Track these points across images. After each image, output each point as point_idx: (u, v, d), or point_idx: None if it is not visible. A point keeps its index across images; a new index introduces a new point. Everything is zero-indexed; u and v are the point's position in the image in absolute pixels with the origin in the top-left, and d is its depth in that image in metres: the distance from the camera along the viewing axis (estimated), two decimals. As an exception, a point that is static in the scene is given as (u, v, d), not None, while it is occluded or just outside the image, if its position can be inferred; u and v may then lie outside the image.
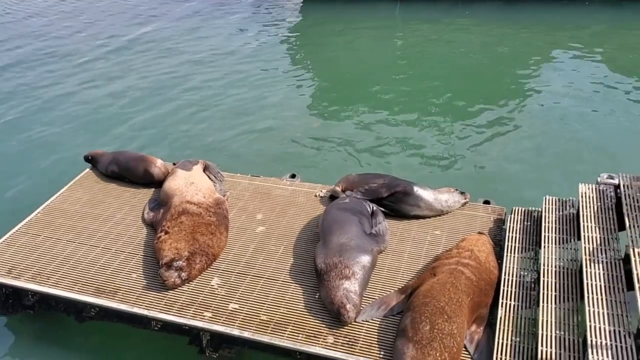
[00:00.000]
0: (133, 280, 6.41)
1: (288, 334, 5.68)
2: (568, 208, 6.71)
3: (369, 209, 7.00)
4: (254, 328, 5.77)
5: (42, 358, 6.45)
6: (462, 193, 7.30)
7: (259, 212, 7.51)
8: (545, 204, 6.82)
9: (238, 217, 7.42)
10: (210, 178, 7.93)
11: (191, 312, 5.98)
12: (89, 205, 7.73)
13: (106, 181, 8.25)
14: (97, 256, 6.79)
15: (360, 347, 5.49)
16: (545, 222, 6.51)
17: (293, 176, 8.36)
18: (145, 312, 6.01)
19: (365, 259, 6.11)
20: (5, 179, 9.99)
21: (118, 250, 6.88)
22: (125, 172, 8.13)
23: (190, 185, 7.35)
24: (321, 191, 7.82)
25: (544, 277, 5.78)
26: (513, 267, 6.13)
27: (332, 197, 7.58)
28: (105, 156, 8.42)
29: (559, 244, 6.19)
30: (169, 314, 5.97)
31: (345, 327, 5.69)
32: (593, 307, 5.23)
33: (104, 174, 8.35)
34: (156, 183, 7.96)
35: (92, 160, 8.56)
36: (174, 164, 8.25)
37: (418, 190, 7.09)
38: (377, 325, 5.71)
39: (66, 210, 7.66)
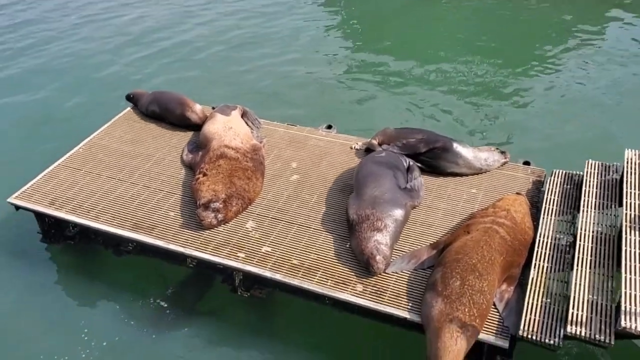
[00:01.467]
0: (170, 218, 6.57)
1: (317, 279, 5.78)
2: (611, 173, 6.54)
3: (405, 164, 6.95)
4: (285, 271, 5.89)
5: (81, 287, 6.71)
6: (502, 152, 7.18)
7: (293, 161, 7.54)
8: (588, 168, 6.66)
9: (273, 164, 7.47)
10: (247, 124, 7.96)
11: (225, 252, 6.12)
12: (129, 144, 7.87)
13: (146, 121, 8.36)
14: (136, 193, 6.96)
15: (389, 297, 5.56)
16: (586, 186, 6.38)
17: (329, 127, 8.32)
18: (181, 249, 6.18)
19: (398, 213, 6.11)
20: (52, 112, 10.22)
21: (157, 189, 7.03)
22: (164, 112, 8.21)
23: (228, 130, 7.40)
24: (357, 143, 7.78)
25: (580, 241, 5.70)
26: (549, 230, 6.05)
27: (368, 150, 7.54)
28: (146, 96, 8.50)
29: (599, 209, 6.07)
30: (204, 253, 6.12)
31: (374, 277, 5.76)
32: (630, 274, 5.15)
33: (144, 114, 8.46)
34: (193, 126, 8.03)
35: (133, 99, 8.66)
36: (213, 108, 8.28)
37: (457, 147, 6.99)
38: (407, 277, 5.76)
39: (106, 146, 7.82)
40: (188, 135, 8.00)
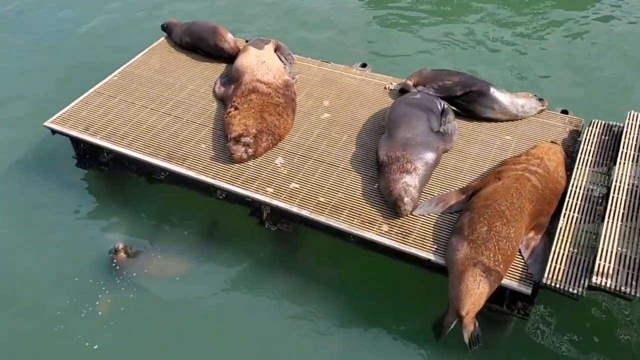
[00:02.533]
0: (202, 150, 6.64)
1: (344, 217, 5.84)
2: (653, 127, 6.34)
3: (439, 107, 6.82)
4: (312, 207, 5.95)
5: (113, 212, 6.90)
6: (540, 99, 6.97)
7: (325, 99, 7.47)
8: (629, 120, 6.45)
9: (305, 101, 7.41)
10: (280, 59, 7.86)
11: (254, 186, 6.20)
12: (163, 74, 7.88)
13: (180, 51, 8.32)
14: (169, 123, 7.02)
15: (414, 238, 5.60)
16: (625, 138, 6.20)
17: (364, 65, 8.16)
18: (211, 181, 6.28)
19: (429, 156, 6.06)
20: (85, 39, 10.24)
21: (189, 120, 7.07)
22: (198, 42, 8.14)
23: (261, 64, 7.32)
24: (391, 84, 7.64)
25: (614, 193, 5.60)
26: (582, 180, 5.95)
27: (403, 90, 7.41)
28: (180, 26, 8.42)
29: (637, 161, 5.92)
30: (234, 185, 6.21)
31: (401, 219, 5.79)
32: (663, 228, 5.08)
33: (178, 44, 8.41)
34: (226, 56, 7.97)
35: (167, 29, 8.59)
36: (247, 41, 8.18)
37: (494, 92, 6.81)
38: (433, 220, 5.77)
39: (140, 75, 7.84)
40: (221, 67, 7.96)
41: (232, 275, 6.17)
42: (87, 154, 7.24)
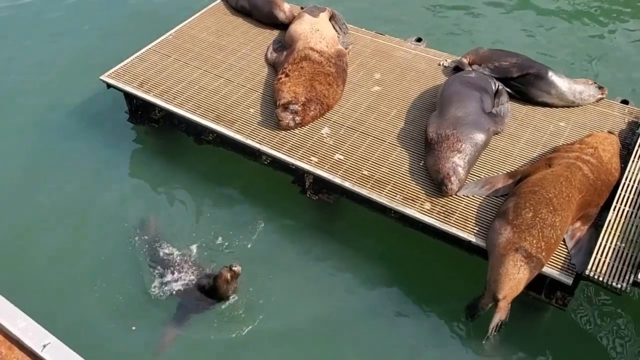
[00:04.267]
0: (250, 114, 6.70)
1: (386, 192, 5.83)
2: None
3: (493, 87, 6.66)
4: (355, 180, 5.95)
5: (161, 168, 7.08)
6: (599, 87, 6.71)
7: (377, 72, 7.38)
8: (694, 115, 6.18)
9: (356, 72, 7.34)
10: (334, 28, 7.78)
11: (299, 154, 6.23)
12: (217, 36, 7.92)
13: (235, 15, 8.34)
14: (220, 86, 7.09)
15: (456, 219, 5.55)
16: (687, 134, 5.94)
17: (419, 40, 8.00)
18: (257, 145, 6.35)
19: (479, 137, 5.95)
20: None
21: (240, 84, 7.13)
22: (253, 9, 8.14)
23: (315, 32, 7.27)
24: (446, 60, 7.48)
25: (669, 189, 5.40)
26: (637, 174, 5.75)
27: (457, 68, 7.25)
28: (237, -11, 8.42)
29: (697, 159, 5.68)
30: (279, 152, 6.26)
31: (444, 198, 5.74)
32: None
33: (233, 8, 8.42)
34: (280, 25, 7.94)
35: (218, -8, 8.60)
36: (302, 8, 8.12)
37: (552, 76, 6.59)
38: (477, 202, 5.70)
39: (195, 36, 7.91)
40: (275, 33, 7.94)
41: (269, 238, 6.25)
42: (139, 110, 7.40)
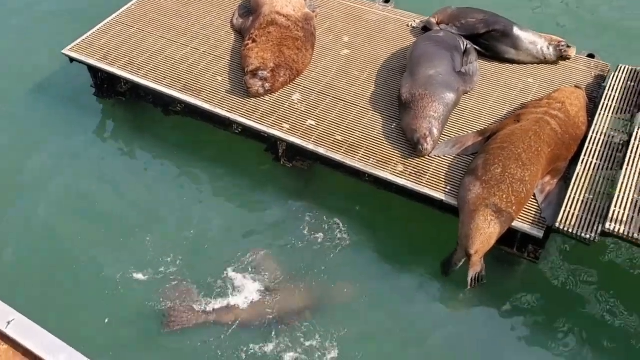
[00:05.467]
0: (218, 82, 6.60)
1: (360, 156, 5.84)
2: (682, 73, 6.13)
3: (462, 46, 6.64)
4: (328, 145, 5.95)
5: (130, 141, 6.95)
6: (568, 47, 6.71)
7: (346, 35, 7.30)
8: (658, 66, 6.25)
9: (324, 36, 7.25)
10: (301, -9, 7.64)
11: (271, 121, 6.18)
12: (181, 4, 7.73)
13: (199, -20, 8.14)
14: (186, 55, 6.96)
15: (428, 179, 5.60)
16: (652, 85, 6.03)
17: (387, 1, 7.91)
18: (227, 114, 6.27)
19: (450, 97, 5.97)
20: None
21: (206, 52, 7.00)
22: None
23: (281, -5, 7.14)
24: (414, 21, 7.42)
25: (635, 140, 5.50)
26: (603, 126, 5.83)
27: (426, 28, 7.20)
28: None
29: (662, 109, 5.77)
30: (250, 120, 6.20)
31: (416, 159, 5.78)
32: (682, 177, 5.00)
33: (196, -26, 8.20)
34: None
35: (185, -42, 8.36)
36: (267, -28, 7.93)
37: (518, 32, 6.57)
38: (448, 162, 5.75)
39: (159, 5, 7.70)
40: (240, -1, 7.79)
41: (243, 206, 6.24)
42: (105, 84, 7.23)
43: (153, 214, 6.19)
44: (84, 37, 7.15)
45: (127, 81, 6.88)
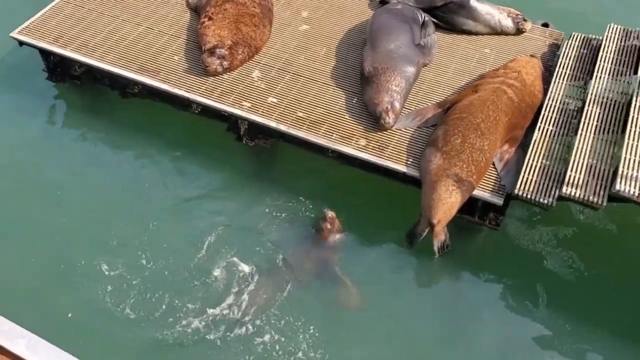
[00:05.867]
0: (175, 62, 6.48)
1: (323, 132, 5.84)
2: (632, 39, 6.28)
3: (420, 18, 6.66)
4: (290, 122, 5.92)
5: (87, 126, 6.77)
6: (525, 20, 6.75)
7: (304, 10, 7.24)
8: (608, 32, 6.39)
9: (282, 12, 7.18)
10: (257, -33, 7.51)
11: (231, 100, 6.11)
12: (133, -18, 7.52)
13: (151, -42, 7.91)
14: (141, 34, 6.79)
15: (390, 152, 5.65)
16: (603, 52, 6.16)
17: (345, -25, 7.85)
18: (186, 94, 6.17)
19: (411, 70, 6.00)
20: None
21: (162, 31, 6.84)
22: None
23: (236, -29, 7.01)
24: (372, -6, 7.41)
25: (588, 106, 5.64)
26: (558, 94, 5.96)
27: (383, 2, 7.19)
28: None
29: (613, 75, 5.92)
30: (209, 99, 6.12)
31: (378, 133, 5.81)
32: (633, 140, 5.17)
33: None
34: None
35: None
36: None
37: (475, 3, 6.63)
38: (409, 134, 5.80)
39: (110, -16, 7.48)
40: (194, -24, 7.61)
41: (208, 188, 6.18)
42: (58, 67, 7.00)
43: (114, 199, 6.08)
44: (33, 19, 6.89)
45: (81, 64, 6.68)
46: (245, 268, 5.47)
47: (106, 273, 5.45)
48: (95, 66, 6.50)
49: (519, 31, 6.80)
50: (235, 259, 5.53)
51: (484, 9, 6.69)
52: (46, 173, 6.34)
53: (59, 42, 6.66)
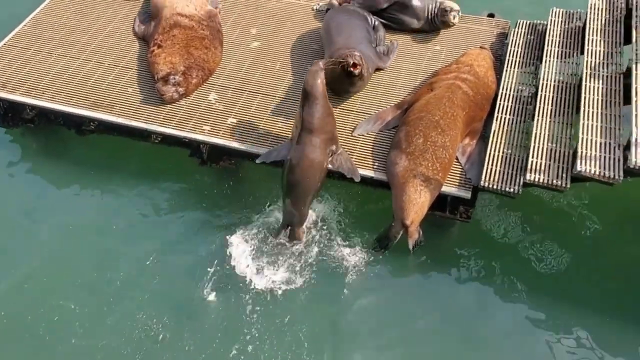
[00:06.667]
0: (129, 94, 6.39)
1: (287, 146, 5.81)
2: (574, 21, 6.46)
3: (370, 21, 6.72)
4: (252, 140, 5.90)
5: (46, 169, 6.62)
6: (445, 11, 6.67)
7: (253, 27, 7.23)
8: (552, 17, 6.55)
9: (232, 31, 7.16)
10: (201, -11, 7.48)
11: (190, 125, 6.06)
12: (77, 18, 7.39)
13: (92, -9, 7.81)
14: (91, 70, 6.69)
15: (356, 158, 5.67)
16: (549, 36, 6.32)
17: (288, -13, 7.88)
18: (144, 126, 6.09)
19: (370, 66, 6.08)
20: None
21: (111, 64, 6.75)
22: (110, -20, 7.64)
23: (180, -4, 6.96)
24: (318, 4, 7.44)
25: (542, 91, 5.77)
26: (511, 82, 6.08)
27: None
28: (88, -36, 7.85)
29: (561, 58, 6.07)
30: (168, 127, 6.05)
31: (341, 140, 5.81)
32: (587, 120, 5.29)
33: (88, -16, 7.86)
34: (143, -7, 7.54)
35: (74, -31, 7.98)
36: (162, -27, 7.71)
37: (416, 1, 6.66)
38: (372, 139, 5.84)
39: (54, 22, 7.34)
40: (139, 4, 7.52)
41: (177, 216, 6.11)
42: (9, 112, 6.81)
43: (79, 240, 5.95)
44: (-24, 66, 6.74)
45: (33, 107, 6.53)
46: (218, 293, 5.45)
47: (77, 311, 5.37)
48: (47, 107, 6.37)
49: (445, 24, 6.78)
50: (213, 286, 5.50)
51: (422, 5, 6.73)
52: (6, 221, 6.18)
53: (7, 88, 6.51)
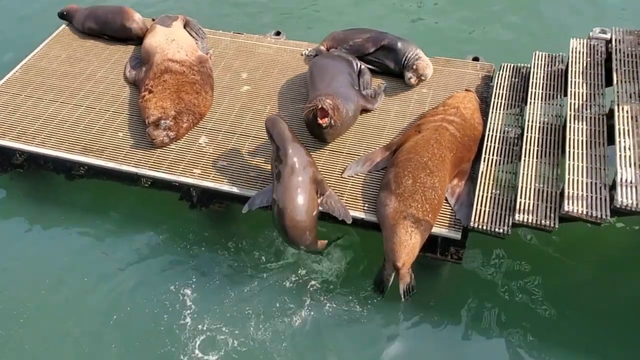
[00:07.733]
0: (120, 138, 6.42)
1: (276, 189, 5.83)
2: (557, 64, 6.63)
3: (355, 66, 6.84)
4: (242, 184, 5.91)
5: (35, 215, 6.59)
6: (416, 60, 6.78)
7: (243, 71, 7.35)
8: (535, 60, 6.72)
9: (222, 76, 7.27)
10: (191, 35, 7.63)
11: (180, 169, 6.07)
12: (68, 64, 7.49)
13: (84, 38, 7.90)
14: (82, 115, 6.73)
15: (346, 200, 5.69)
16: (533, 78, 6.47)
17: (278, 33, 8.05)
18: (134, 170, 6.10)
19: (350, 107, 6.16)
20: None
21: (102, 109, 6.80)
22: (103, 26, 7.76)
23: (171, 42, 7.08)
24: (307, 49, 7.59)
25: (527, 132, 5.86)
26: (497, 123, 6.18)
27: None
28: (81, 11, 7.99)
29: (545, 100, 6.20)
30: (158, 171, 6.06)
31: (331, 181, 5.85)
32: (573, 161, 5.37)
33: (81, 31, 7.98)
34: (135, 38, 7.66)
35: (67, 17, 8.12)
36: (153, 19, 7.87)
37: (401, 45, 6.80)
38: (362, 180, 5.88)
39: (45, 68, 7.43)
40: (129, 50, 7.64)
41: (168, 260, 6.07)
42: (-2, 158, 6.84)
43: (68, 287, 5.88)
44: (-34, 113, 6.76)
45: (22, 152, 6.53)
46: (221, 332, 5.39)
47: None
48: (37, 153, 6.37)
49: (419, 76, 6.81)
50: (211, 326, 5.47)
51: (409, 50, 6.85)
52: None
53: (-4, 134, 6.53)
